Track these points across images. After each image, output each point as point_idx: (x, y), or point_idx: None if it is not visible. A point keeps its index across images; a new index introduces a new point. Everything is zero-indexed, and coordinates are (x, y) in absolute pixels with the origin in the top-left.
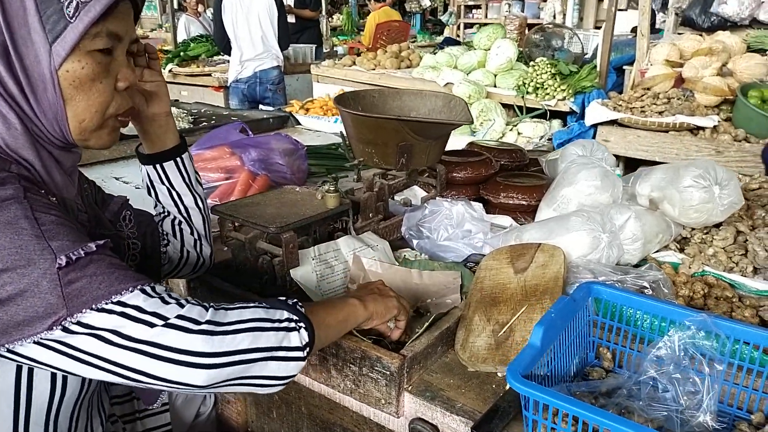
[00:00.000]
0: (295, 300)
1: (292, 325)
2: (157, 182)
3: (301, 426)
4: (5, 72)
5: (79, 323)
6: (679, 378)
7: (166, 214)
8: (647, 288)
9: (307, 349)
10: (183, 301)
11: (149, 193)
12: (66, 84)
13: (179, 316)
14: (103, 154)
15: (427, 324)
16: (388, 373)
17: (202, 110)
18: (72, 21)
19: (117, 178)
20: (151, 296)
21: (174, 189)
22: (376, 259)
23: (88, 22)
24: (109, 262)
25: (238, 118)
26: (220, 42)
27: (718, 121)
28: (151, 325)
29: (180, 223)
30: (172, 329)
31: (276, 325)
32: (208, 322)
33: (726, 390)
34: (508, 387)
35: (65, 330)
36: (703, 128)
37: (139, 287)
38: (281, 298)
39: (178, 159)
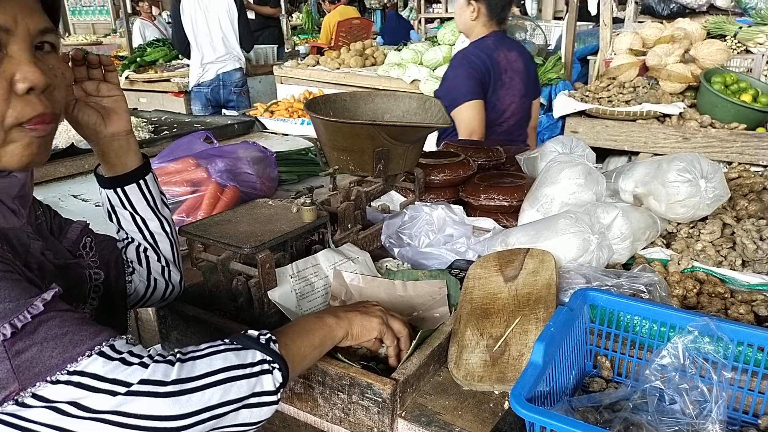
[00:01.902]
0: (268, 335)
1: (266, 367)
2: (118, 207)
3: None
4: None
5: (34, 396)
6: (686, 387)
7: (130, 240)
8: (644, 291)
9: (281, 389)
10: (147, 360)
11: (110, 219)
12: None
13: (143, 381)
14: (58, 171)
15: (415, 342)
16: (380, 399)
17: (163, 118)
18: None
19: (75, 196)
20: (111, 359)
21: (138, 214)
22: (358, 272)
23: None
24: (61, 320)
25: (201, 125)
26: (179, 45)
27: (684, 108)
28: (113, 393)
29: (145, 250)
30: (137, 396)
31: (248, 371)
32: (175, 381)
33: (731, 394)
34: (507, 406)
35: (19, 404)
36: (669, 115)
37: (96, 350)
38: (252, 333)
39: (141, 181)
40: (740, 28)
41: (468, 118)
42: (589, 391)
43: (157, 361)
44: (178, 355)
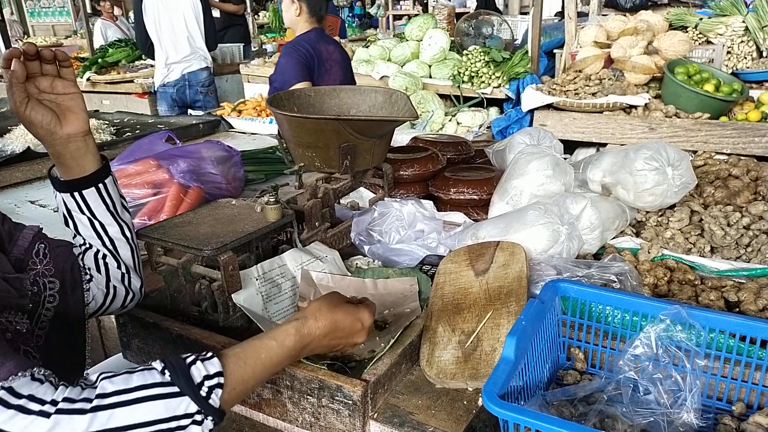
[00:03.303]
0: (214, 381)
1: (198, 418)
2: (75, 212)
3: None
4: None
5: None
6: (660, 377)
7: (87, 246)
8: (614, 281)
9: None
10: (49, 407)
11: (66, 224)
12: None
13: None
14: (14, 176)
15: (392, 341)
16: (350, 402)
17: (125, 119)
18: None
19: (32, 202)
20: (8, 406)
21: (96, 219)
22: (326, 271)
23: None
24: None
25: (164, 125)
26: (142, 45)
27: (649, 99)
28: None
29: (104, 256)
30: None
31: (176, 424)
32: None
33: (705, 382)
34: (481, 403)
35: None
36: (635, 107)
37: None
38: (196, 374)
39: (101, 185)
40: (701, 19)
41: None
42: (563, 384)
43: (61, 411)
44: (95, 401)
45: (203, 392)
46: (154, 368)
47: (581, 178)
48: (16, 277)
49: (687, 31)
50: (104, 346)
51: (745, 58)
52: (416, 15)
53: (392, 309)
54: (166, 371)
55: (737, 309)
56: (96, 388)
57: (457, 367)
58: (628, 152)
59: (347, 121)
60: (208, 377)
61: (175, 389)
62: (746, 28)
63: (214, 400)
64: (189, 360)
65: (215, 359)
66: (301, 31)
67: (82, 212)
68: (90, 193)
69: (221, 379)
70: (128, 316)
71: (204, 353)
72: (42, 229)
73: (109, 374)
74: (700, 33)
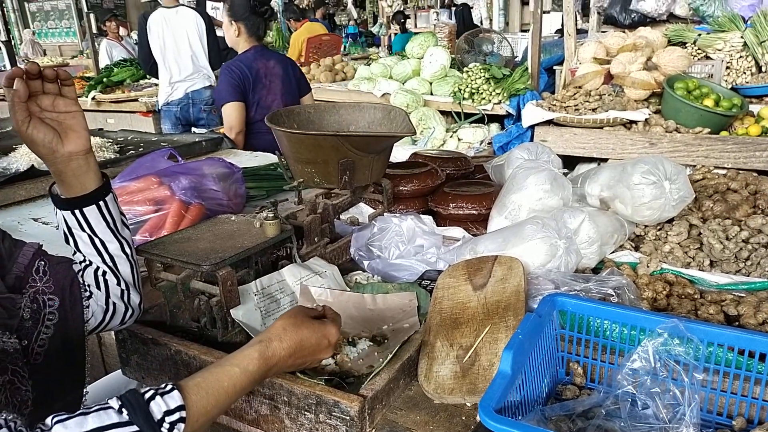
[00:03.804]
0: (176, 416)
1: None
2: (76, 229)
3: None
4: None
5: None
6: (658, 391)
7: (87, 263)
8: (612, 295)
9: None
10: None
11: (67, 241)
12: None
13: None
14: (18, 194)
15: (390, 356)
16: (347, 417)
17: (129, 138)
18: None
19: (36, 219)
20: None
21: (96, 236)
22: (326, 286)
23: None
24: None
25: (167, 143)
26: (145, 64)
27: (649, 114)
28: None
29: (104, 273)
30: None
31: None
32: None
33: (704, 396)
34: (479, 419)
35: None
36: (635, 122)
37: None
38: (156, 410)
39: (102, 203)
40: (699, 35)
41: (227, 115)
42: (562, 398)
43: None
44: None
45: (164, 429)
46: (110, 407)
47: (579, 192)
48: (7, 297)
49: (686, 47)
50: (105, 362)
51: (744, 73)
52: (417, 33)
53: (391, 324)
54: (123, 410)
55: (737, 323)
56: None
57: (455, 382)
58: (626, 166)
59: (346, 137)
60: (168, 412)
61: (135, 429)
62: (745, 44)
63: (170, 425)
64: (147, 395)
65: (175, 392)
66: (241, 51)
67: (83, 229)
68: (90, 211)
69: (183, 413)
70: (127, 332)
71: (163, 386)
72: (42, 246)
73: (63, 417)
74: (699, 49)
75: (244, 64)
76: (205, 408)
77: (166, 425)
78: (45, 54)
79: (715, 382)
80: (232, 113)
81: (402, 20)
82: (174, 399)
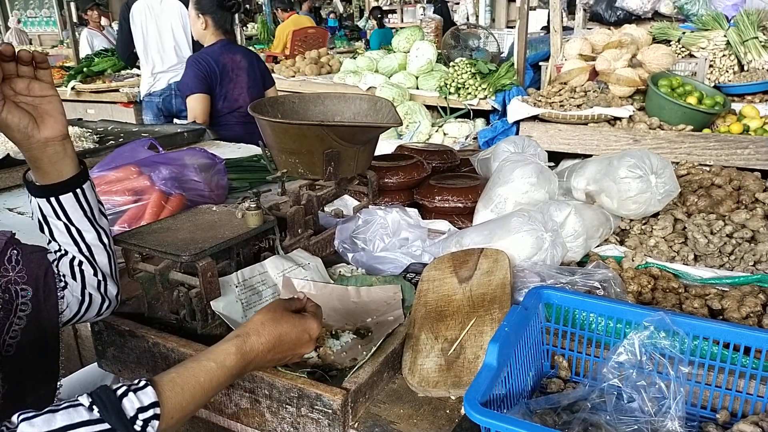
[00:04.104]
0: (150, 412)
1: None
2: (51, 217)
3: None
4: None
5: None
6: (644, 385)
7: (63, 252)
8: (598, 288)
9: None
10: None
11: (41, 229)
12: None
13: None
14: None
15: (374, 349)
16: (330, 411)
17: (109, 128)
18: None
19: (10, 209)
20: None
21: (73, 224)
22: (309, 279)
23: None
24: None
25: (148, 134)
26: (123, 53)
27: (633, 111)
28: None
29: (81, 263)
30: None
31: None
32: None
33: (689, 389)
34: (464, 412)
35: None
36: (619, 118)
37: None
38: (129, 407)
39: (78, 190)
40: (684, 33)
41: (192, 106)
42: (547, 392)
43: None
44: None
45: (138, 427)
46: (80, 404)
47: (565, 186)
48: None
49: (670, 45)
50: (80, 355)
51: (727, 71)
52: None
53: (375, 317)
54: (94, 407)
55: (721, 317)
56: None
57: (439, 375)
58: (612, 160)
59: (331, 127)
60: (142, 409)
61: (106, 426)
62: (728, 42)
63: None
64: (120, 392)
65: (149, 388)
66: (208, 43)
67: (59, 218)
68: (67, 199)
69: (157, 410)
70: (104, 324)
71: (137, 382)
72: (15, 234)
73: (30, 414)
74: (683, 47)
75: (211, 57)
76: (181, 404)
77: (139, 422)
78: (31, 43)
79: (700, 375)
80: (196, 105)
81: (379, 15)
82: (148, 395)
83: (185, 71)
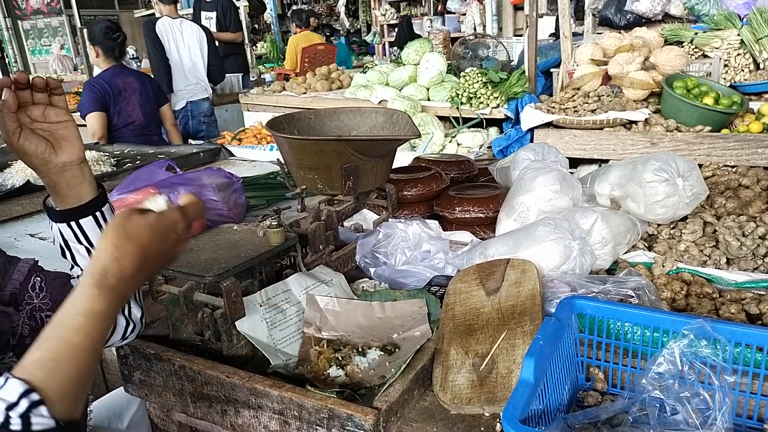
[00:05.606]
0: (7, 407)
1: None
2: (72, 242)
3: None
4: None
5: None
6: (687, 396)
7: None
8: (632, 296)
9: None
10: None
11: (63, 255)
12: None
13: None
14: (14, 210)
15: (404, 366)
16: (362, 431)
17: (125, 151)
18: None
19: (32, 235)
20: None
21: (94, 248)
22: (332, 295)
23: None
24: None
25: (164, 155)
26: (158, 66)
27: (649, 114)
28: None
29: None
30: None
31: None
32: None
33: (734, 399)
34: (499, 429)
35: None
36: (635, 122)
37: None
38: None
39: (98, 213)
40: (696, 34)
41: (90, 124)
42: (584, 405)
43: None
44: None
45: (16, 426)
46: None
47: (588, 192)
48: (1, 311)
49: (683, 46)
50: (106, 380)
51: (743, 70)
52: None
53: (401, 332)
54: None
55: (759, 321)
56: None
57: (472, 391)
58: (636, 164)
59: (349, 141)
60: (11, 406)
61: None
62: (741, 41)
63: (41, 422)
64: None
65: (9, 382)
66: (101, 69)
67: (80, 242)
68: (87, 222)
69: (34, 396)
70: (129, 347)
71: None
72: (38, 261)
73: None
74: (696, 47)
75: (104, 80)
76: (65, 376)
77: (15, 420)
78: (76, 70)
79: (744, 383)
80: (94, 122)
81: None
82: (10, 391)
83: (83, 94)
